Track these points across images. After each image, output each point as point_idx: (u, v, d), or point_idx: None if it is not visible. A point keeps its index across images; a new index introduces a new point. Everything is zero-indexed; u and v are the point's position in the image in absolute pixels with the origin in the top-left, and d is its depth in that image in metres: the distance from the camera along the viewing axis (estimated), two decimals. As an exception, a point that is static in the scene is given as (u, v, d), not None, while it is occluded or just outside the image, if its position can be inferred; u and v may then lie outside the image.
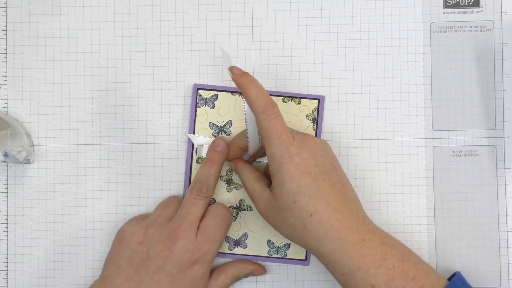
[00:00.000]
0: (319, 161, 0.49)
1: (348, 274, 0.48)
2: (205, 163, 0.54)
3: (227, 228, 0.54)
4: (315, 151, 0.49)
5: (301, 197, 0.48)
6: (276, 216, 0.50)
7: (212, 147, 0.55)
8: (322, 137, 0.57)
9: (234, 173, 0.57)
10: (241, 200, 0.57)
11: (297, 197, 0.48)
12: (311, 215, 0.48)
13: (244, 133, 0.53)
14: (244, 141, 0.53)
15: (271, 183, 0.51)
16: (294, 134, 0.50)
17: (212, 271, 0.55)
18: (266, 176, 0.53)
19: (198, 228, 0.52)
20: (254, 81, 0.49)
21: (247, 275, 0.56)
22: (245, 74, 0.49)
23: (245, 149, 0.54)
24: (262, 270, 0.56)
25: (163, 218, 0.53)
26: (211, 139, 0.56)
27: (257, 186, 0.52)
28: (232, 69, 0.49)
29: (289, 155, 0.48)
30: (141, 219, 0.54)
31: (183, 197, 0.56)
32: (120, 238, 0.52)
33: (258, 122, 0.49)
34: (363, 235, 0.48)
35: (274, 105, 0.48)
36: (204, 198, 0.53)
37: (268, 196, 0.50)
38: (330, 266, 0.49)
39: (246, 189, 0.53)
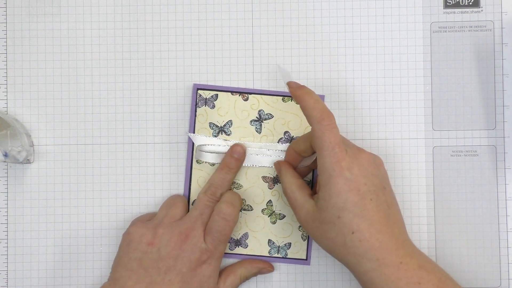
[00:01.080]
0: (369, 179, 0.48)
1: None
2: (222, 168, 0.55)
3: (232, 227, 0.53)
4: (367, 168, 0.49)
5: (346, 213, 0.47)
6: (318, 228, 0.49)
7: (230, 153, 0.55)
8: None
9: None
10: (241, 200, 0.57)
11: (342, 213, 0.48)
12: (353, 232, 0.48)
13: (303, 138, 0.53)
14: (303, 146, 0.53)
15: (314, 193, 0.51)
16: (348, 148, 0.49)
17: (221, 272, 0.55)
18: (308, 184, 0.53)
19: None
20: (310, 92, 0.49)
21: (255, 274, 0.56)
22: (301, 87, 0.49)
23: (302, 155, 0.54)
24: (270, 268, 0.56)
25: (170, 218, 0.53)
26: (212, 138, 0.56)
27: (299, 194, 0.51)
28: (289, 83, 0.50)
29: (340, 169, 0.48)
30: (146, 220, 0.54)
31: (185, 197, 0.56)
32: (128, 240, 0.52)
33: (312, 133, 0.49)
34: (401, 258, 0.48)
35: (330, 116, 0.48)
36: (217, 202, 0.54)
37: (311, 207, 0.50)
38: (365, 284, 0.49)
39: (286, 195, 0.52)
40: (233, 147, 0.55)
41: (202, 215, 0.53)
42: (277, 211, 0.57)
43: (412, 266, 0.48)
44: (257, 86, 0.57)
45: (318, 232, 0.49)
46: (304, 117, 0.56)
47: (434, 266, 0.49)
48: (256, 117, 0.57)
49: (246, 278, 0.55)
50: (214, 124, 0.57)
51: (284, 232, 0.57)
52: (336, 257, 0.50)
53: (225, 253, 0.57)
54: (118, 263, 0.52)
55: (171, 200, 0.55)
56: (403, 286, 0.47)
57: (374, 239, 0.47)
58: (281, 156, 0.56)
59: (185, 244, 0.51)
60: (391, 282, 0.47)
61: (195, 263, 0.51)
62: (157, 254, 0.51)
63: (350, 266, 0.49)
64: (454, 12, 0.57)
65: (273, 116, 0.57)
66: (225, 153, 0.56)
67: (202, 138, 0.56)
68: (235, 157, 0.55)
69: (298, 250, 0.57)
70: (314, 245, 0.57)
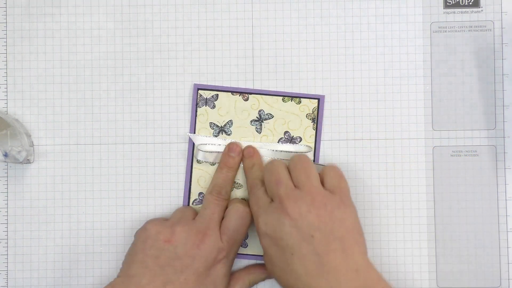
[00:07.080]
0: (286, 233, 0.49)
1: None
2: (221, 168, 0.55)
3: (247, 227, 0.54)
4: (284, 222, 0.49)
5: (276, 269, 0.50)
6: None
7: (227, 153, 0.55)
8: (322, 137, 0.57)
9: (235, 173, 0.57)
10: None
11: (273, 267, 0.50)
12: (285, 286, 0.49)
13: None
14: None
15: None
16: (268, 206, 0.51)
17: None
18: None
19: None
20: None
21: (263, 279, 0.56)
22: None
23: None
24: None
25: (186, 218, 0.53)
26: (212, 138, 0.56)
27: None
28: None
29: (258, 227, 0.51)
30: (162, 220, 0.54)
31: (184, 201, 0.56)
32: (145, 236, 0.51)
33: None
34: None
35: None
36: (224, 200, 0.54)
37: None
38: None
39: None
40: (230, 146, 0.55)
41: (214, 214, 0.53)
42: (277, 211, 0.57)
43: None
44: (257, 86, 0.57)
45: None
46: (305, 117, 0.57)
47: None
48: (256, 117, 0.57)
49: (255, 283, 0.55)
50: (214, 124, 0.57)
51: (284, 232, 0.57)
52: None
53: (225, 253, 0.57)
54: (133, 260, 0.51)
55: (182, 207, 0.56)
56: None
57: None
58: (281, 156, 0.56)
59: (203, 243, 0.51)
60: None
61: (211, 263, 0.51)
62: (173, 252, 0.50)
63: None
64: (454, 12, 0.57)
65: (273, 116, 0.57)
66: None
67: (202, 138, 0.56)
68: (232, 156, 0.55)
69: (298, 250, 0.57)
70: (314, 245, 0.57)
